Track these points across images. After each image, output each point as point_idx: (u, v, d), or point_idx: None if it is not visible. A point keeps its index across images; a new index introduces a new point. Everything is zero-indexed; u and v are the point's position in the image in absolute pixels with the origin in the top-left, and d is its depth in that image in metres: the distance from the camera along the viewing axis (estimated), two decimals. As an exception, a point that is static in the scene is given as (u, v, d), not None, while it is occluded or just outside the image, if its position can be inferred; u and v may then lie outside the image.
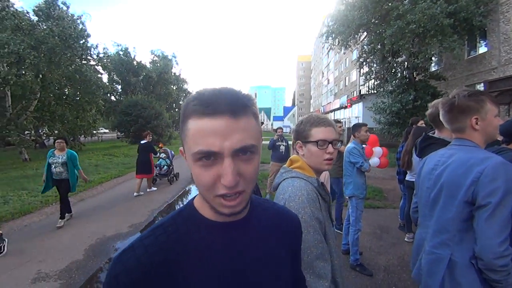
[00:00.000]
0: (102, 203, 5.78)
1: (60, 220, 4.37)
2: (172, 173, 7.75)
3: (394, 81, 13.55)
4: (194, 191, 7.00)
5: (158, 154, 7.56)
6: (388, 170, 7.81)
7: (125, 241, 3.82)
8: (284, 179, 1.09)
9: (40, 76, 11.39)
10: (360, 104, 23.94)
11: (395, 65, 13.98)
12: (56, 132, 13.17)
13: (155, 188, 6.81)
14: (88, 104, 13.90)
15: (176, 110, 40.37)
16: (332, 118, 36.58)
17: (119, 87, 29.98)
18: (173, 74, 35.80)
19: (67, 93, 13.48)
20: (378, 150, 4.16)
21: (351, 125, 4.26)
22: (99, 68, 17.05)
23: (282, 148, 5.77)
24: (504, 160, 1.01)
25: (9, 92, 10.71)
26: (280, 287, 0.57)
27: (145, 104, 20.84)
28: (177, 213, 0.56)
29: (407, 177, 3.39)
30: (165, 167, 7.55)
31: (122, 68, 28.25)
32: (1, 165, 9.88)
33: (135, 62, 29.62)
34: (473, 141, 1.12)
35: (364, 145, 3.13)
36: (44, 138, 15.23)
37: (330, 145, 1.07)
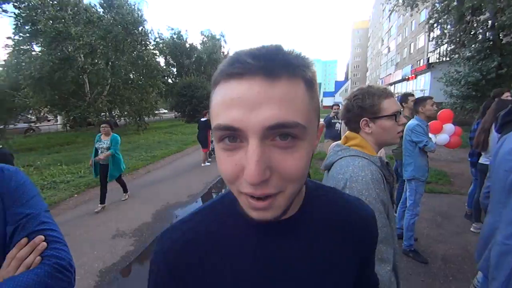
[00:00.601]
0: (165, 175, 6.55)
1: (100, 204, 4.25)
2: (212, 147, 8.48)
3: (473, 45, 11.20)
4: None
5: None
6: (458, 151, 6.84)
7: (184, 208, 4.35)
8: (341, 158, 0.99)
9: (110, 63, 12.94)
10: (428, 75, 20.78)
11: (475, 25, 11.52)
12: (125, 113, 15.07)
13: (208, 164, 7.39)
14: (150, 87, 15.37)
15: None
16: (395, 91, 32.91)
17: (174, 69, 32.11)
18: (222, 53, 36.54)
19: (132, 78, 15.08)
20: (449, 127, 3.63)
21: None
22: (156, 52, 18.48)
23: (338, 126, 5.53)
24: None
25: (87, 80, 12.52)
26: None
27: (198, 85, 22.07)
28: (219, 200, 0.49)
29: (481, 160, 2.90)
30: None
31: (176, 51, 29.96)
32: (85, 142, 11.90)
33: (187, 45, 31.06)
34: None
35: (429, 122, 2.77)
36: (116, 118, 17.63)
37: (401, 115, 1.00)
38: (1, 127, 11.10)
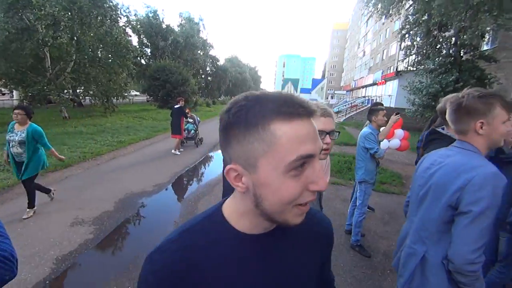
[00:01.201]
0: (131, 162, 6.33)
1: (28, 209, 3.37)
2: (198, 137, 8.54)
3: (437, 59, 12.21)
4: (216, 158, 7.36)
5: (197, 118, 8.56)
6: (413, 155, 7.51)
7: (150, 197, 4.29)
8: None
9: (75, 38, 11.90)
10: (396, 82, 22.18)
11: (440, 40, 12.53)
12: (91, 92, 14.04)
13: (178, 153, 7.26)
14: (119, 67, 14.44)
15: (203, 76, 40.67)
16: (363, 95, 34.59)
17: (148, 50, 30.41)
18: (200, 38, 35.33)
19: (100, 55, 14.03)
20: (399, 132, 4.05)
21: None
22: (129, 30, 17.30)
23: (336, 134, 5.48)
24: (497, 172, 0.99)
25: (48, 54, 11.41)
26: None
27: (173, 70, 21.15)
28: (206, 218, 0.52)
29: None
30: (192, 131, 8.41)
31: (151, 31, 28.32)
32: (44, 121, 10.97)
33: (164, 25, 29.48)
34: (475, 145, 1.09)
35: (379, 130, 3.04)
36: (80, 98, 16.36)
37: (327, 135, 1.09)
38: None
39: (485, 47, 13.45)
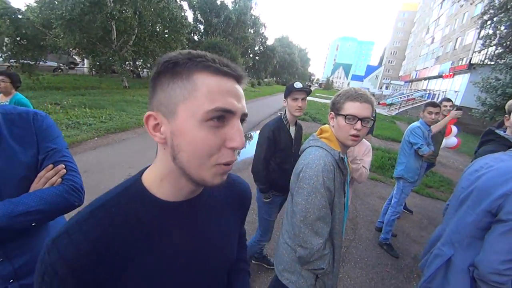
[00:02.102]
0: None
1: None
2: None
3: (523, 53, 10.21)
4: (255, 137, 7.57)
5: None
6: (470, 161, 6.68)
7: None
8: (310, 146, 1.17)
9: (138, 13, 12.80)
10: (466, 76, 19.27)
11: (532, 30, 10.36)
12: (148, 65, 15.20)
13: None
14: (174, 42, 15.22)
15: (251, 56, 40.68)
16: (424, 87, 30.89)
17: (202, 27, 31.23)
18: (251, 16, 34.88)
19: (158, 30, 14.93)
20: (455, 129, 3.75)
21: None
22: (185, 4, 17.83)
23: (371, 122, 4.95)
24: None
25: (114, 27, 12.55)
26: (232, 253, 0.63)
27: (223, 47, 21.61)
28: (122, 191, 0.49)
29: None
30: None
31: (206, 7, 28.87)
32: (108, 89, 12.32)
33: (218, 2, 29.77)
34: None
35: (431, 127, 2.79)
36: (139, 70, 17.83)
37: (359, 121, 1.06)
38: (32, 63, 11.55)
39: None
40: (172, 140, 0.44)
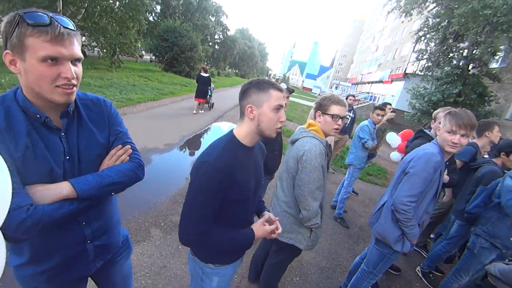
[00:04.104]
0: (142, 120, 6.65)
1: None
2: (211, 101, 9.95)
3: (446, 68, 12.39)
4: (219, 128, 7.76)
5: (212, 86, 9.73)
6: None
7: (161, 154, 4.71)
8: (304, 137, 1.58)
9: (90, -17, 11.56)
10: (401, 84, 22.38)
11: (454, 50, 12.64)
12: (98, 44, 13.77)
13: (202, 111, 9.04)
14: (131, 21, 14.10)
15: (210, 44, 39.63)
16: (368, 90, 34.65)
17: (158, 8, 29.24)
18: (213, 3, 33.99)
19: (112, 7, 13.60)
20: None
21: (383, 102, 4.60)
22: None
23: (348, 119, 5.06)
24: (434, 152, 1.51)
25: (61, -4, 11.10)
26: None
27: (183, 33, 20.56)
28: (229, 140, 1.05)
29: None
30: (208, 96, 9.47)
31: (165, -14, 27.08)
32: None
33: (179, -17, 28.13)
34: (440, 143, 1.58)
35: (376, 126, 3.50)
36: (85, 47, 16.00)
37: (340, 119, 1.54)
38: None
39: (493, 65, 13.63)
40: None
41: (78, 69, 0.81)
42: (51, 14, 0.74)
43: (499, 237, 2.01)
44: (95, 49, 14.62)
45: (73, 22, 0.82)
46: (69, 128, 0.89)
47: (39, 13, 0.72)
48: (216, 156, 0.99)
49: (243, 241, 1.12)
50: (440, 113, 2.28)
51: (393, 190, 1.68)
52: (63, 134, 0.87)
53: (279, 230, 1.20)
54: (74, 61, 0.79)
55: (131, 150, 1.04)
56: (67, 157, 0.88)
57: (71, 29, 0.77)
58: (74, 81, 0.80)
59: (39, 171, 0.81)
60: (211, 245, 1.05)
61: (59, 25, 0.73)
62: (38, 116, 0.81)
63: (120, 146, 1.01)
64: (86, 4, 12.08)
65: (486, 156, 2.87)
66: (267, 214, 1.24)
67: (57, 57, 0.74)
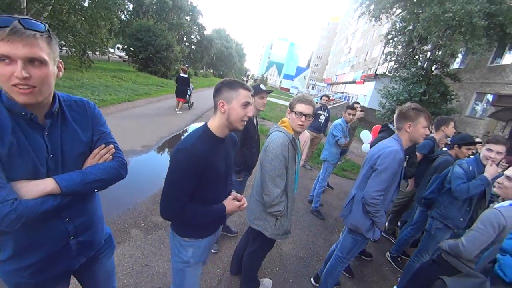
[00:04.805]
0: (117, 122, 6.44)
1: None
2: (190, 101, 10.31)
3: (412, 69, 13.30)
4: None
5: (191, 86, 10.10)
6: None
7: (139, 156, 4.63)
8: (274, 131, 1.76)
9: (57, -21, 10.91)
10: (373, 84, 23.56)
11: (418, 52, 13.60)
12: (68, 44, 13.05)
13: (180, 112, 9.04)
14: (102, 20, 13.50)
15: (186, 44, 38.94)
16: (342, 90, 36.05)
17: (131, 6, 28.22)
18: (189, 2, 33.48)
19: (81, 4, 12.94)
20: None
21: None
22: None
23: (322, 118, 5.35)
24: (398, 150, 1.69)
25: (25, -8, 10.38)
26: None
27: (157, 32, 20.04)
28: (203, 131, 1.22)
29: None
30: (187, 96, 9.77)
31: (137, -16, 26.20)
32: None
33: (152, -19, 27.37)
34: (401, 138, 1.76)
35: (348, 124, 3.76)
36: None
37: (304, 117, 1.68)
38: None
39: (454, 66, 14.86)
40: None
41: (37, 70, 0.79)
42: (19, 17, 0.76)
43: (451, 218, 2.28)
44: (63, 48, 13.79)
45: (38, 19, 0.84)
46: (53, 127, 0.92)
47: (4, 16, 0.74)
48: (192, 143, 1.15)
49: (216, 214, 1.31)
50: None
51: (361, 183, 1.84)
52: (46, 133, 0.90)
53: (245, 204, 1.41)
54: (32, 61, 0.77)
55: (114, 150, 1.08)
56: (51, 155, 0.91)
57: (32, 30, 0.76)
58: (30, 82, 0.78)
59: (23, 168, 0.84)
60: (188, 218, 1.24)
61: (16, 26, 0.74)
62: (23, 113, 0.84)
63: (103, 145, 1.05)
64: (53, 1, 11.36)
65: (445, 148, 3.22)
66: (234, 193, 1.44)
67: (8, 55, 0.74)
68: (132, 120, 6.96)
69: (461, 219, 2.27)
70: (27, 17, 0.78)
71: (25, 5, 10.60)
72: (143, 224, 2.77)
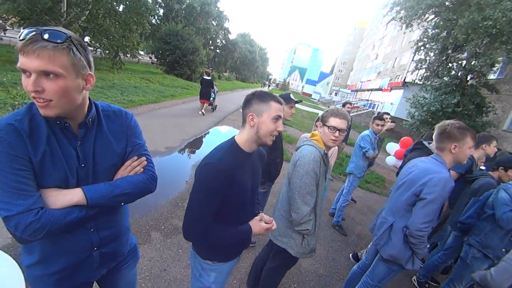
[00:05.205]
0: (143, 122, 6.67)
1: None
2: (214, 103, 10.57)
3: (445, 78, 12.48)
4: (219, 132, 7.81)
5: (216, 89, 10.34)
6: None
7: (162, 157, 4.75)
8: (304, 144, 1.67)
9: (95, -15, 11.68)
10: (400, 92, 22.55)
11: (452, 60, 12.79)
12: (103, 46, 13.89)
13: (203, 114, 9.32)
14: (135, 24, 14.23)
15: (212, 48, 39.94)
16: (367, 98, 34.89)
17: (161, 11, 29.51)
18: (216, 8, 34.36)
19: (116, 9, 13.73)
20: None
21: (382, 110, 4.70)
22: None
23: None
24: (448, 178, 1.51)
25: (65, -1, 11.19)
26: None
27: (185, 36, 20.76)
28: (230, 145, 1.16)
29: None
30: (211, 98, 10.08)
31: (168, -10, 27.36)
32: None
33: (182, -12, 28.47)
34: (444, 159, 1.60)
35: (377, 136, 3.56)
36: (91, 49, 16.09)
37: (338, 131, 1.60)
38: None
39: (491, 77, 13.76)
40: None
41: (51, 83, 0.76)
42: (43, 28, 0.74)
43: (491, 248, 2.06)
44: (98, 50, 14.70)
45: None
46: (86, 137, 0.93)
47: (29, 29, 0.74)
48: (219, 158, 1.10)
49: (241, 236, 1.21)
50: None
51: (401, 210, 1.65)
52: (79, 143, 0.91)
53: (274, 227, 1.29)
54: (48, 74, 0.75)
55: (146, 162, 1.06)
56: (82, 165, 0.91)
57: (47, 41, 0.73)
58: (43, 95, 0.76)
59: (54, 176, 0.85)
60: (212, 239, 1.14)
61: (33, 38, 0.72)
62: (58, 122, 0.85)
63: (135, 157, 1.04)
64: (90, 6, 12.17)
65: (483, 167, 2.94)
66: (262, 214, 1.32)
67: (24, 69, 0.74)
68: (157, 121, 7.19)
69: (503, 250, 2.04)
70: (51, 27, 0.75)
71: (65, 9, 11.41)
72: (163, 227, 2.80)
